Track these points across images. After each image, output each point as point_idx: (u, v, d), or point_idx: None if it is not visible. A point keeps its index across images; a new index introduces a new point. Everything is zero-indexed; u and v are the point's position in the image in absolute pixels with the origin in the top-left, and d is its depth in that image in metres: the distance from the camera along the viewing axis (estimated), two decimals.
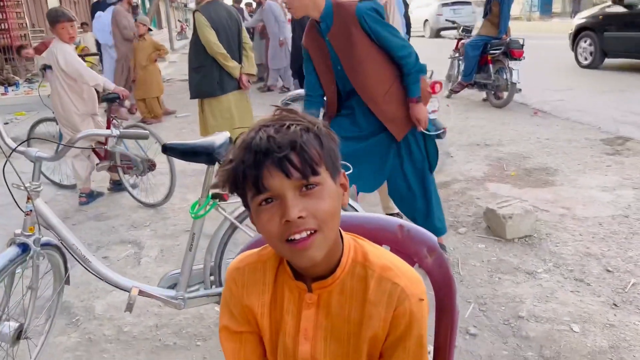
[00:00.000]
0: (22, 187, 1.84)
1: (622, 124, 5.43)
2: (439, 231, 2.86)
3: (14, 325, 1.95)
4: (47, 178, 4.49)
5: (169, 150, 2.02)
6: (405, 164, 2.76)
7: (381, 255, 0.92)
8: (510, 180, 4.12)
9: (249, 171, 0.80)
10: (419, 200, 2.81)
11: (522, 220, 3.15)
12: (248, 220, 2.16)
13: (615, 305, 2.46)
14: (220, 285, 2.20)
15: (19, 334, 1.98)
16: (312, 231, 0.81)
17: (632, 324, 2.31)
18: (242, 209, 2.12)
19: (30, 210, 1.89)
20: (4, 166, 1.75)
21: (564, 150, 4.79)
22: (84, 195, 4.16)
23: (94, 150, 4.06)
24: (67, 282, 2.21)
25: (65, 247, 2.03)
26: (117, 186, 4.39)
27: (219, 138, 2.03)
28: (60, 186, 4.56)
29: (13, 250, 1.84)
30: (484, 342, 2.29)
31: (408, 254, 1.04)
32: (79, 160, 4.01)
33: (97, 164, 4.10)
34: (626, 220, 3.29)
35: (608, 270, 2.75)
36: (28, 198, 1.89)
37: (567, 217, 3.39)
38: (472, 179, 4.19)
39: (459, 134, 5.47)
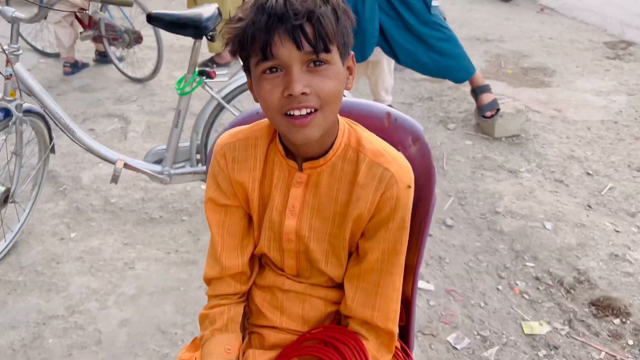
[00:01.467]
0: (1, 50, 1.76)
1: (628, 27, 5.23)
2: (468, 71, 2.96)
3: (0, 189, 1.97)
4: (29, 44, 4.30)
5: (154, 20, 1.92)
6: (407, 18, 2.71)
7: (374, 141, 0.91)
8: (507, 79, 4.05)
9: (259, 34, 0.75)
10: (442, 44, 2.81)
11: (512, 120, 3.14)
12: (235, 100, 2.13)
13: (590, 206, 2.54)
14: (206, 163, 2.21)
15: (5, 198, 2.01)
16: (313, 110, 0.78)
17: (602, 225, 2.40)
18: (230, 88, 2.08)
19: (10, 75, 1.82)
20: None
21: (565, 50, 4.66)
22: (68, 64, 4.02)
23: (76, 17, 3.86)
24: (53, 150, 2.20)
25: (48, 115, 1.99)
26: (102, 58, 4.24)
27: (206, 10, 1.92)
28: (43, 54, 4.39)
29: None
30: (460, 233, 2.38)
31: (393, 142, 1.03)
32: (62, 27, 3.82)
33: (80, 33, 3.92)
34: (614, 125, 3.30)
35: (588, 174, 2.81)
36: (7, 61, 1.82)
37: (558, 119, 3.39)
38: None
39: (460, 27, 5.25)
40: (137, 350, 1.78)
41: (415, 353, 1.78)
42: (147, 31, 3.78)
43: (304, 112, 0.78)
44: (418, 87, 3.90)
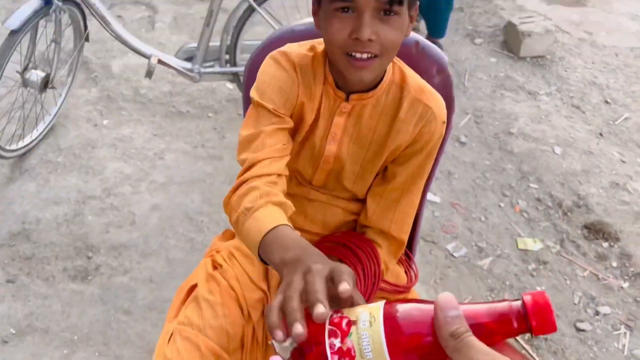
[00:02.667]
0: None
1: None
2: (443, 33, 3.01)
3: (41, 74, 2.08)
4: None
5: None
6: None
7: (416, 78, 0.99)
8: None
9: None
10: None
11: (540, 40, 3.11)
12: (267, 3, 2.15)
13: (601, 134, 2.61)
14: (235, 64, 2.29)
15: (45, 83, 2.12)
16: (373, 55, 0.85)
17: (609, 154, 2.49)
18: None
19: None
20: None
21: None
22: None
23: None
24: (87, 39, 2.28)
25: (85, 5, 2.05)
26: None
27: None
28: None
29: (36, 2, 1.86)
30: (471, 150, 2.49)
31: (419, 71, 1.11)
32: None
33: None
34: None
35: (606, 102, 2.84)
36: None
37: (587, 42, 3.34)
38: None
39: None
40: (167, 232, 1.98)
41: (416, 257, 1.97)
42: None
43: (365, 56, 0.84)
44: None
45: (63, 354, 1.60)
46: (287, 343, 0.54)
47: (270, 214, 0.81)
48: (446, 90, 1.13)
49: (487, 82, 2.95)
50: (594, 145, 2.54)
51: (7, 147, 2.10)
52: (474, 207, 2.21)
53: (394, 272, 1.12)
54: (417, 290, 1.21)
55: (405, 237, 1.08)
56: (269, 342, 0.95)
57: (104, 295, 1.76)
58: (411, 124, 0.97)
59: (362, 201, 1.10)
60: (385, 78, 0.96)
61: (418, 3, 0.89)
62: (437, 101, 0.99)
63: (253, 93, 0.96)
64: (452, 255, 2.01)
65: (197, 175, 2.22)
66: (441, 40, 3.07)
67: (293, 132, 0.99)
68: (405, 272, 1.17)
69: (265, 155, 0.90)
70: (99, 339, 1.64)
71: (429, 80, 1.13)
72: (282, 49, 0.99)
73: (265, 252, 0.76)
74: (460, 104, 2.76)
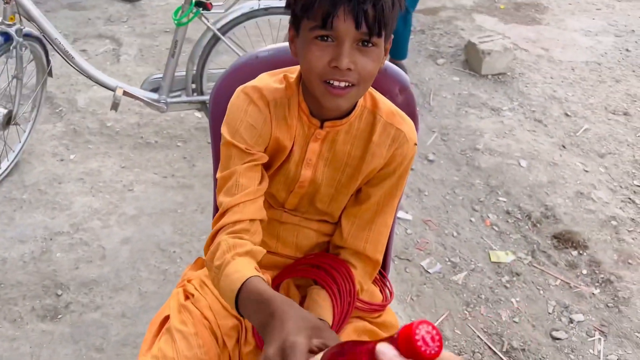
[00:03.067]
0: None
1: None
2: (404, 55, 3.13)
3: (3, 111, 2.05)
4: None
5: None
6: None
7: (387, 102, 1.02)
8: (499, 14, 4.06)
9: (325, 4, 0.80)
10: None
11: (500, 58, 3.21)
12: (231, 32, 2.18)
13: (564, 146, 2.69)
14: (202, 93, 2.29)
15: (8, 120, 2.09)
16: (351, 84, 0.86)
17: (573, 164, 2.57)
18: (226, 20, 2.11)
19: None
20: None
21: None
22: None
23: None
24: (50, 74, 2.25)
25: (47, 40, 2.03)
26: None
27: None
28: None
29: None
30: (440, 168, 2.53)
31: (382, 91, 1.14)
32: None
33: None
34: (598, 67, 3.39)
35: (567, 114, 2.94)
36: None
37: (544, 58, 3.47)
38: (461, 8, 4.10)
39: None
40: (139, 265, 1.95)
41: (391, 275, 1.97)
42: None
43: (342, 84, 0.85)
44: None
45: None
46: None
47: (238, 268, 0.82)
48: (410, 108, 1.16)
49: (451, 100, 3.02)
50: (557, 157, 2.62)
51: None
52: (446, 223, 2.23)
53: (369, 291, 1.12)
54: (393, 309, 1.21)
55: (380, 257, 1.09)
56: None
57: (75, 334, 1.71)
58: (384, 147, 0.99)
59: (334, 223, 1.11)
60: (358, 104, 0.98)
61: (392, 36, 0.91)
62: (408, 124, 1.01)
63: (224, 130, 0.96)
64: (427, 271, 2.02)
65: (168, 206, 2.20)
66: (404, 62, 3.14)
67: (270, 162, 1.00)
68: (380, 291, 1.17)
69: (238, 200, 0.92)
70: None
71: (392, 100, 1.15)
72: (255, 83, 0.98)
73: (243, 312, 0.79)
74: (426, 123, 2.81)
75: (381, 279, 1.21)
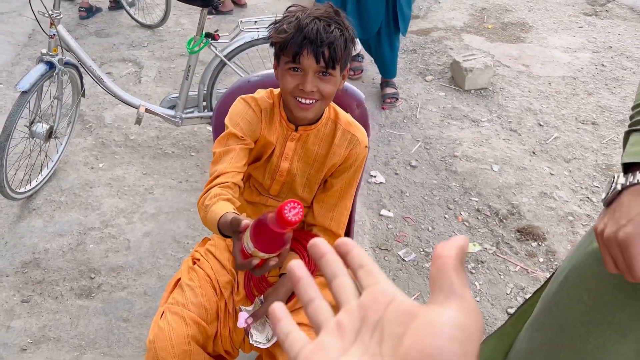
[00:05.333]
0: (47, 14, 2.18)
1: None
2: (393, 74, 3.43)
3: (45, 126, 2.44)
4: None
5: None
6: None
7: (346, 115, 1.39)
8: (486, 33, 4.40)
9: (294, 46, 1.17)
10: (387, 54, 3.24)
11: (481, 74, 3.55)
12: (235, 58, 2.56)
13: (534, 153, 3.01)
14: (211, 109, 2.67)
15: (49, 134, 2.49)
16: (315, 100, 1.23)
17: (540, 168, 2.88)
18: (231, 48, 2.50)
19: (54, 34, 2.25)
20: None
21: (546, 6, 4.96)
22: (83, 9, 4.37)
23: None
24: (84, 95, 2.66)
25: (83, 67, 2.43)
26: (116, 5, 4.57)
27: None
28: None
29: (42, 67, 2.24)
30: (421, 172, 2.87)
31: (343, 105, 1.50)
32: None
33: None
34: (573, 81, 3.71)
35: (540, 124, 3.26)
36: (51, 24, 2.24)
37: (524, 74, 3.79)
38: (451, 29, 4.45)
39: None
40: (158, 254, 2.31)
41: None
42: None
43: (308, 101, 1.23)
44: (404, 40, 4.26)
45: (74, 356, 1.90)
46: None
47: (220, 207, 1.15)
48: (364, 120, 1.51)
49: (436, 113, 3.36)
50: (527, 162, 2.93)
51: (17, 190, 2.44)
52: (423, 219, 2.57)
53: None
54: None
55: (342, 232, 1.44)
56: (237, 308, 1.29)
57: (106, 308, 2.07)
58: (343, 147, 1.36)
59: (308, 207, 1.46)
60: (324, 115, 1.35)
61: (349, 66, 1.28)
62: (361, 131, 1.38)
63: (227, 121, 1.33)
64: (403, 259, 2.35)
65: (182, 206, 2.57)
66: (395, 80, 3.49)
67: (260, 154, 1.37)
68: None
69: (228, 169, 1.27)
70: (103, 343, 1.95)
71: (351, 113, 1.51)
72: (253, 94, 1.36)
73: (223, 231, 1.12)
74: (412, 133, 3.16)
75: None
